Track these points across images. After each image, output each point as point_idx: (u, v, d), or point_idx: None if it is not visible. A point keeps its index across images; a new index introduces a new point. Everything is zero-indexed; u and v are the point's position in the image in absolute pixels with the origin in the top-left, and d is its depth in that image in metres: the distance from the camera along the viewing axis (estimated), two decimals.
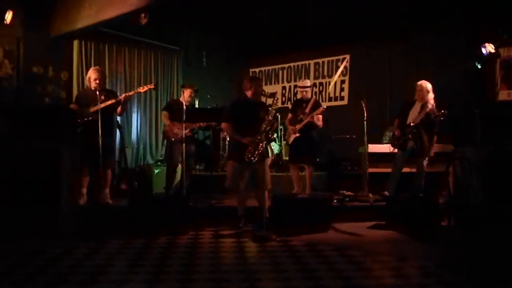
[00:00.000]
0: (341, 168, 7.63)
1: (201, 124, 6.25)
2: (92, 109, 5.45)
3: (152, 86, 6.04)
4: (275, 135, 7.85)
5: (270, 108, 4.96)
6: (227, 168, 5.25)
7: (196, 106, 7.00)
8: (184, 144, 5.76)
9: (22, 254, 3.99)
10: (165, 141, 6.78)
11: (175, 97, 8.22)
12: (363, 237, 4.85)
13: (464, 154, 5.26)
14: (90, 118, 5.43)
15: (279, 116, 7.47)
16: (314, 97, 6.80)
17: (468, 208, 4.94)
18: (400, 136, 5.93)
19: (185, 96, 6.15)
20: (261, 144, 4.77)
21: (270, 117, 4.90)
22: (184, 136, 5.82)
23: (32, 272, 3.44)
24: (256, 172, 4.87)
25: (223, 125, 5.17)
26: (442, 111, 5.53)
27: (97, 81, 5.51)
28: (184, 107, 5.79)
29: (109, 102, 5.49)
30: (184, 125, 5.82)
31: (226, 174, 5.27)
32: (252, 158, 4.74)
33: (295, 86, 9.45)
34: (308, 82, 6.65)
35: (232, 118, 5.03)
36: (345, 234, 4.99)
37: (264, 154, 4.89)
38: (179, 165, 6.28)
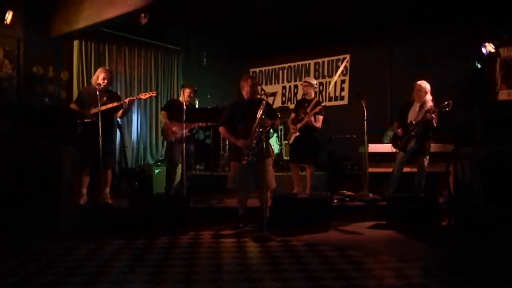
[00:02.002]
0: (342, 168, 7.63)
1: (200, 124, 6.25)
2: (93, 111, 5.45)
3: (154, 94, 6.11)
4: (274, 135, 7.91)
5: (261, 105, 4.77)
6: (230, 168, 5.24)
7: (196, 106, 7.00)
8: (184, 144, 5.76)
9: (22, 254, 4.00)
10: (165, 141, 6.79)
11: (175, 97, 8.22)
12: (364, 237, 4.85)
13: (464, 154, 5.25)
14: (90, 120, 5.43)
15: (279, 114, 7.46)
16: (316, 97, 6.80)
17: (468, 208, 4.94)
18: (403, 135, 5.92)
19: (185, 96, 6.16)
20: (254, 143, 4.75)
21: (260, 112, 4.73)
22: (183, 135, 5.82)
23: (33, 273, 3.44)
24: (258, 172, 4.87)
25: (220, 129, 5.18)
26: (446, 102, 5.50)
27: (106, 81, 5.53)
28: (184, 107, 5.79)
29: (111, 105, 5.49)
30: (184, 125, 5.82)
31: (226, 174, 5.27)
32: (246, 160, 4.75)
33: (295, 86, 9.46)
34: (313, 80, 6.62)
35: (227, 121, 5.05)
36: (346, 234, 4.99)
37: (265, 153, 4.88)
38: (179, 165, 6.28)
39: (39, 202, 4.69)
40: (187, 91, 6.18)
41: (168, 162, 6.48)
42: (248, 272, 3.51)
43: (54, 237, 4.56)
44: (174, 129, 6.10)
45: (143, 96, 5.91)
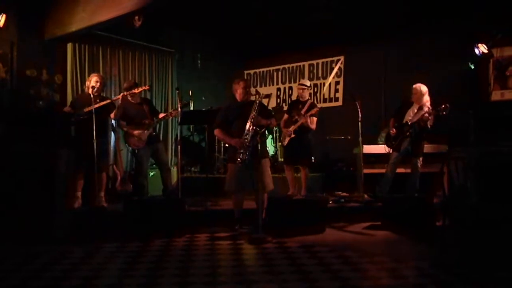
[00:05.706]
0: (336, 169, 7.64)
1: (165, 114, 6.02)
2: (87, 109, 5.43)
3: (147, 87, 6.03)
4: (269, 136, 7.92)
5: (254, 105, 4.83)
6: (227, 170, 5.24)
7: (191, 108, 6.97)
8: (179, 146, 5.75)
9: (16, 258, 3.98)
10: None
11: (169, 99, 8.21)
12: (359, 238, 4.87)
13: (458, 154, 5.28)
14: (83, 117, 5.41)
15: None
16: (310, 99, 6.81)
17: (462, 208, 4.96)
18: (397, 135, 5.94)
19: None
20: (247, 141, 4.76)
21: (254, 112, 4.78)
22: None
23: (27, 277, 3.42)
24: (254, 173, 4.86)
25: (215, 132, 5.18)
26: (443, 105, 5.52)
27: (99, 84, 5.53)
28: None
29: (104, 102, 5.48)
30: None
31: (221, 177, 5.26)
32: (241, 160, 4.75)
33: (290, 88, 9.48)
34: (308, 82, 6.67)
35: (221, 123, 5.06)
36: (341, 235, 5.00)
37: (260, 154, 4.88)
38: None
39: (33, 205, 4.67)
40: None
41: (137, 170, 6.21)
42: (244, 274, 3.51)
43: (49, 241, 4.54)
44: (135, 135, 5.76)
45: (136, 90, 5.87)
